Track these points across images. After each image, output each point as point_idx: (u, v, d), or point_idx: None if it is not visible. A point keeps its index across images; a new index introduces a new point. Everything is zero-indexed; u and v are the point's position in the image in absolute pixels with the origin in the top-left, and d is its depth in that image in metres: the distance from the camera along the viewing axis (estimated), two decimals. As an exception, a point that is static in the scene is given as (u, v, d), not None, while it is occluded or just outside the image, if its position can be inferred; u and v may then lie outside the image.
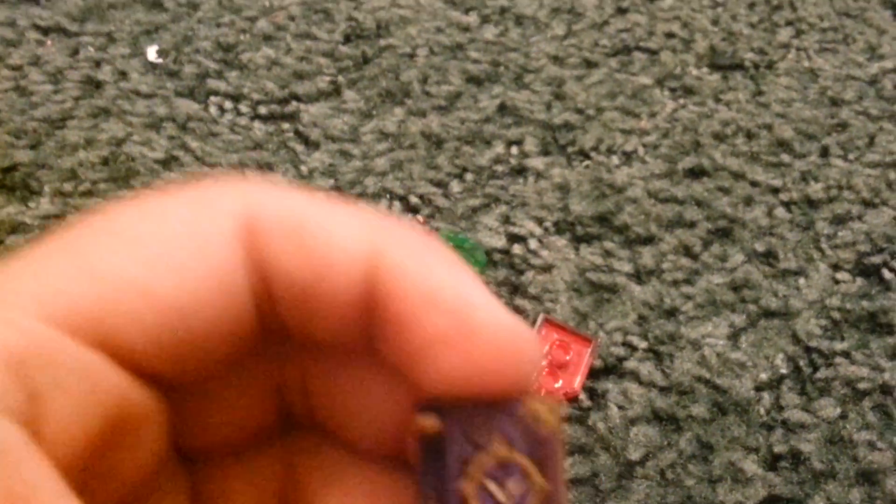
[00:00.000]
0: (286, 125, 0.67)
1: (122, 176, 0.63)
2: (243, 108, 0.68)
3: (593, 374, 0.54)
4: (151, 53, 0.71)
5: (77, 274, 0.15)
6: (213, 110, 0.68)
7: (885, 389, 0.54)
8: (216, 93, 0.69)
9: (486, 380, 0.16)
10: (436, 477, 0.16)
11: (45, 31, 0.72)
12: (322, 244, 0.16)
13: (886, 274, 0.60)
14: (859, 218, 0.63)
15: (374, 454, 0.19)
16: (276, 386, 0.19)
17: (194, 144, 0.65)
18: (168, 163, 0.64)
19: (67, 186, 0.62)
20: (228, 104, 0.68)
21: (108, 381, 0.15)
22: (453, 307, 0.16)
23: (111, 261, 0.16)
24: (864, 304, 0.58)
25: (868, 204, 0.64)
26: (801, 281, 0.60)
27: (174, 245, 0.16)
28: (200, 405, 0.18)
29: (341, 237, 0.17)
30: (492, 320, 0.16)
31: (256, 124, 0.67)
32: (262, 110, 0.68)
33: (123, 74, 0.70)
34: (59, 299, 0.15)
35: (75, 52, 0.71)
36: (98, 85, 0.69)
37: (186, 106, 0.67)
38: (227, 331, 0.16)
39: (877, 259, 0.61)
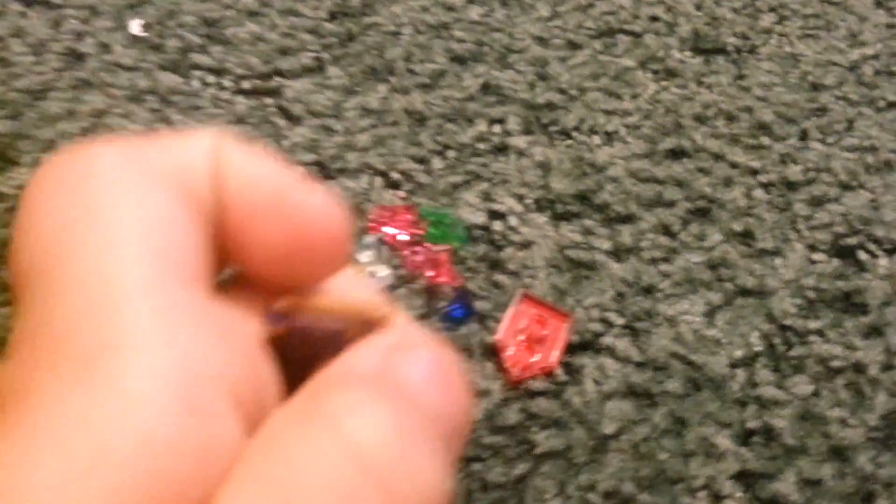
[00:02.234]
0: (269, 100, 0.67)
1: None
2: (226, 82, 0.68)
3: (570, 349, 0.55)
4: (135, 27, 0.71)
5: None
6: (195, 84, 0.67)
7: (857, 368, 0.55)
8: (199, 67, 0.68)
9: (302, 248, 0.18)
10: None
11: (28, 3, 0.72)
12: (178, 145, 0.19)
13: (861, 255, 0.61)
14: (836, 200, 0.64)
15: None
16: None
17: (176, 117, 0.64)
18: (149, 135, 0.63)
19: (47, 157, 0.62)
20: (211, 78, 0.68)
21: None
22: (272, 189, 0.19)
23: None
24: (839, 284, 0.59)
25: (845, 187, 0.65)
26: (778, 261, 0.60)
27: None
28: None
29: (186, 140, 0.20)
30: (304, 199, 0.19)
31: (239, 99, 0.67)
32: (245, 85, 0.68)
33: (106, 47, 0.69)
34: None
35: (58, 24, 0.71)
36: (80, 57, 0.68)
37: (169, 79, 0.67)
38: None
39: (852, 240, 0.61)
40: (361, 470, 0.15)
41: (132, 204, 0.17)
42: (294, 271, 0.19)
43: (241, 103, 0.67)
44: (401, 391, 0.17)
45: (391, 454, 0.15)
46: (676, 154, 0.66)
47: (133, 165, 0.18)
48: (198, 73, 0.68)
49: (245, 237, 0.19)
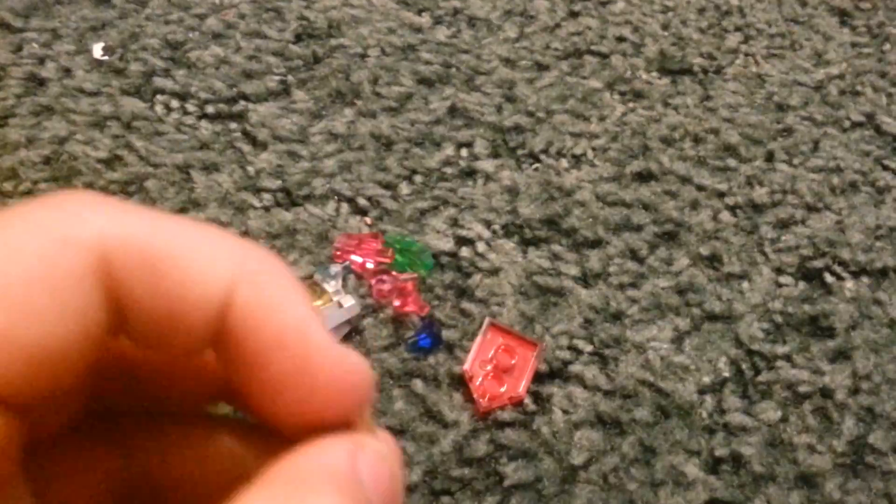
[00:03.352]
0: (234, 125, 0.66)
1: (64, 175, 0.62)
2: (190, 107, 0.67)
3: (538, 377, 0.54)
4: (97, 50, 0.70)
5: None
6: (159, 109, 0.67)
7: (824, 393, 0.55)
8: (163, 91, 0.68)
9: (324, 412, 0.18)
10: None
11: (-12, 26, 0.71)
12: (177, 280, 0.17)
13: (828, 278, 0.61)
14: (803, 222, 0.64)
15: None
16: (117, 481, 0.20)
17: (139, 144, 0.64)
18: (111, 162, 0.63)
19: (8, 186, 0.61)
20: (175, 103, 0.67)
21: None
22: (297, 351, 0.18)
23: None
24: (806, 307, 0.59)
25: (811, 209, 0.65)
26: (745, 285, 0.60)
27: (32, 288, 0.16)
28: (49, 493, 0.19)
29: (197, 274, 0.17)
30: (329, 360, 0.18)
31: (203, 124, 0.66)
32: (210, 109, 0.67)
33: (68, 71, 0.68)
34: None
35: (19, 48, 0.70)
36: (41, 82, 0.67)
37: (132, 104, 0.66)
38: (80, 364, 0.17)
39: (819, 263, 0.62)
40: None
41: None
42: (304, 423, 0.19)
43: (206, 128, 0.66)
44: (361, 497, 0.18)
45: None
46: (644, 177, 0.66)
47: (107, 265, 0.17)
48: (161, 97, 0.67)
49: (268, 389, 0.18)
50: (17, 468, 0.17)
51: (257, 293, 0.18)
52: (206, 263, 0.17)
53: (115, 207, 0.17)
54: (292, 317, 0.18)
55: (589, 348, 0.56)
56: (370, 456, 0.19)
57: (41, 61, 0.69)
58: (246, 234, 0.59)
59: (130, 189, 0.61)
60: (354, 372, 0.19)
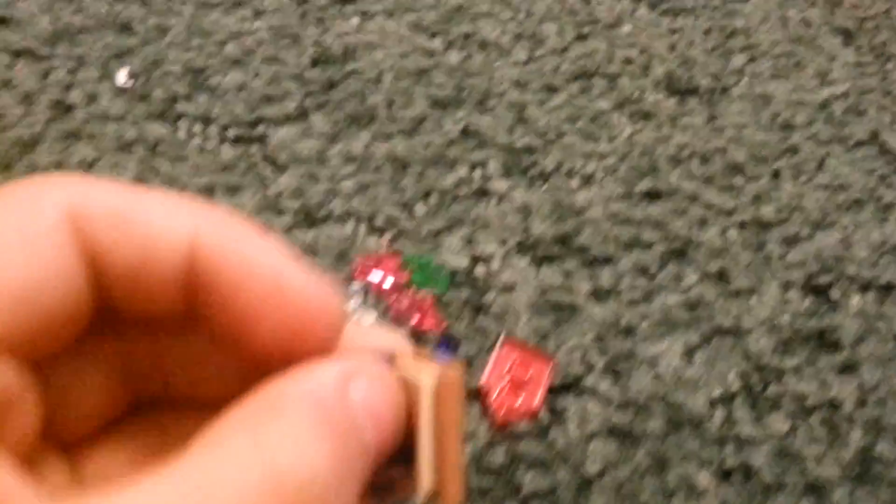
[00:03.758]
0: (254, 148, 0.68)
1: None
2: (212, 131, 0.69)
3: (553, 391, 0.56)
4: (121, 77, 0.72)
5: None
6: (181, 133, 0.69)
7: (832, 405, 0.57)
8: (185, 116, 0.70)
9: (299, 335, 0.19)
10: None
11: (16, 54, 0.73)
12: (145, 229, 0.19)
13: (834, 293, 0.63)
14: (809, 239, 0.66)
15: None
16: (124, 366, 0.22)
17: (163, 167, 0.66)
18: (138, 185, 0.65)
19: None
20: (197, 127, 0.69)
21: None
22: (267, 276, 0.19)
23: None
24: (813, 322, 0.61)
25: (817, 225, 0.67)
26: (753, 300, 0.62)
27: (6, 243, 0.18)
28: (61, 393, 0.20)
29: (163, 222, 0.19)
30: (300, 285, 0.19)
31: (225, 147, 0.68)
32: (231, 133, 0.69)
33: (93, 98, 0.71)
34: None
35: (46, 75, 0.72)
36: (68, 108, 0.70)
37: (156, 129, 0.68)
38: (67, 311, 0.19)
39: (825, 279, 0.63)
40: (280, 499, 0.16)
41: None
42: (288, 352, 0.20)
43: (227, 152, 0.68)
44: (347, 423, 0.18)
45: (316, 490, 0.17)
46: (652, 196, 0.68)
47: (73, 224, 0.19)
48: (184, 121, 0.70)
49: (243, 321, 0.20)
50: (25, 385, 0.19)
51: (220, 233, 0.19)
52: (170, 214, 0.19)
53: (81, 176, 0.20)
54: (257, 247, 0.19)
55: (601, 362, 0.58)
56: (368, 381, 0.19)
57: (67, 88, 0.71)
58: (267, 253, 0.61)
59: (155, 211, 0.63)
60: (325, 295, 0.20)
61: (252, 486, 0.16)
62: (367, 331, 0.22)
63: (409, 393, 0.20)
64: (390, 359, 0.21)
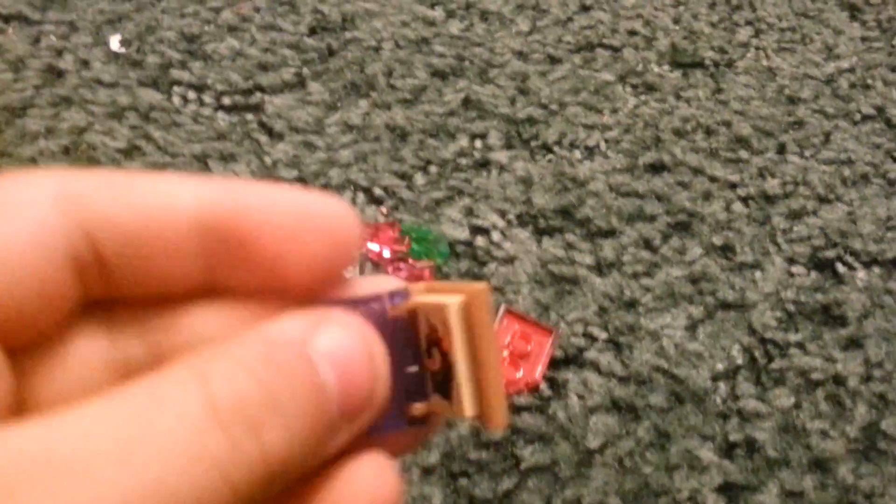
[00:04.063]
0: (250, 116, 0.67)
1: (82, 165, 0.62)
2: (207, 98, 0.68)
3: (554, 364, 0.55)
4: (114, 43, 0.71)
5: None
6: (176, 100, 0.67)
7: (837, 380, 0.56)
8: (179, 83, 0.68)
9: (330, 256, 0.19)
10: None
11: (7, 19, 0.71)
12: (144, 199, 0.18)
13: (840, 268, 0.62)
14: (814, 213, 0.65)
15: None
16: (115, 358, 0.20)
17: (157, 134, 0.64)
18: (130, 152, 0.63)
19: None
20: (192, 94, 0.68)
21: None
22: (290, 211, 0.19)
23: None
24: (818, 296, 0.60)
25: (823, 200, 0.66)
26: (758, 274, 0.61)
27: None
28: (38, 383, 0.19)
29: (164, 191, 0.19)
30: (321, 205, 0.19)
31: (220, 115, 0.67)
32: (226, 101, 0.68)
33: (85, 63, 0.69)
34: None
35: (37, 40, 0.70)
36: (59, 74, 0.68)
37: (149, 96, 0.67)
38: (47, 295, 0.18)
39: (830, 253, 0.62)
40: (215, 423, 0.16)
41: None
42: (323, 272, 0.19)
43: (222, 119, 0.66)
44: (297, 366, 0.17)
45: (246, 416, 0.16)
46: (656, 168, 0.67)
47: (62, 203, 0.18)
48: (178, 89, 0.68)
49: (275, 264, 0.19)
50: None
51: (228, 191, 0.19)
52: (169, 184, 0.19)
53: (73, 169, 0.19)
54: (269, 191, 0.19)
55: (604, 335, 0.56)
56: (338, 332, 0.18)
57: (59, 53, 0.69)
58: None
59: (149, 178, 0.62)
60: (344, 212, 0.19)
61: (190, 411, 0.16)
62: (375, 279, 0.21)
63: (437, 320, 0.20)
64: (404, 293, 0.20)
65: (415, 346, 0.20)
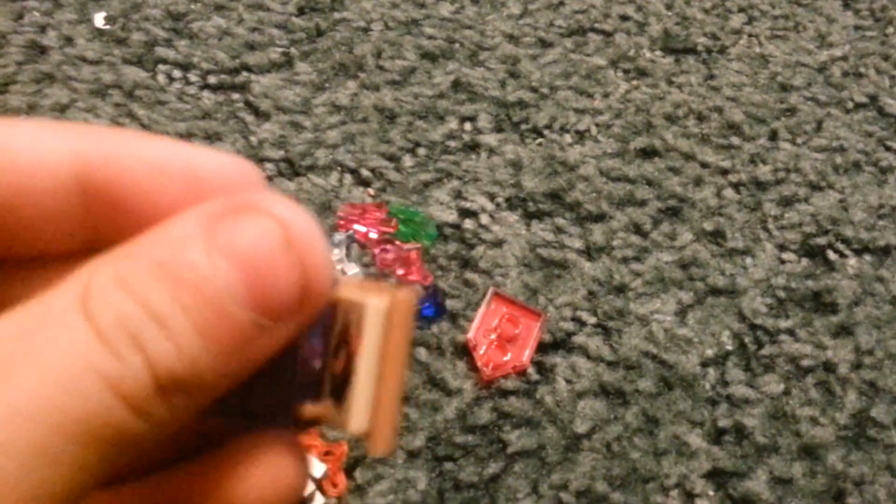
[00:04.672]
0: (236, 95, 0.66)
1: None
2: (192, 77, 0.67)
3: (542, 348, 0.54)
4: (99, 20, 0.70)
5: None
6: (161, 78, 0.66)
7: (827, 367, 0.55)
8: (165, 61, 0.67)
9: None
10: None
11: (-12, -6, 0.70)
12: (15, 147, 0.17)
13: (831, 255, 0.61)
14: (805, 200, 0.64)
15: None
16: None
17: (141, 112, 0.63)
18: (114, 130, 0.62)
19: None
20: (177, 73, 0.67)
21: None
22: (179, 168, 0.17)
23: None
24: (809, 283, 0.59)
25: (814, 187, 0.65)
26: (748, 260, 0.60)
27: None
28: None
29: (33, 149, 0.17)
30: (215, 165, 0.17)
31: (206, 94, 0.66)
32: (212, 80, 0.66)
33: (69, 40, 0.68)
34: None
35: (20, 16, 0.69)
36: (43, 50, 0.67)
37: (134, 73, 0.66)
38: None
39: (822, 240, 0.62)
40: (97, 337, 0.15)
41: None
42: None
43: (208, 98, 0.65)
44: (185, 270, 0.15)
45: (127, 331, 0.15)
46: (647, 153, 0.66)
47: None
48: (163, 67, 0.67)
49: (161, 215, 0.17)
50: None
51: (110, 145, 0.17)
52: (40, 140, 0.17)
53: None
54: (156, 147, 0.17)
55: (592, 320, 0.56)
56: (245, 222, 0.16)
57: (42, 29, 0.68)
58: (248, 202, 0.59)
59: (132, 157, 0.61)
60: (239, 164, 0.18)
61: (74, 327, 0.15)
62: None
63: (353, 318, 0.18)
64: (333, 283, 0.18)
65: (325, 343, 0.18)
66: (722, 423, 0.52)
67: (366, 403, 0.18)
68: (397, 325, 0.17)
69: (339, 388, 0.18)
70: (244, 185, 0.18)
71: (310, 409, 0.18)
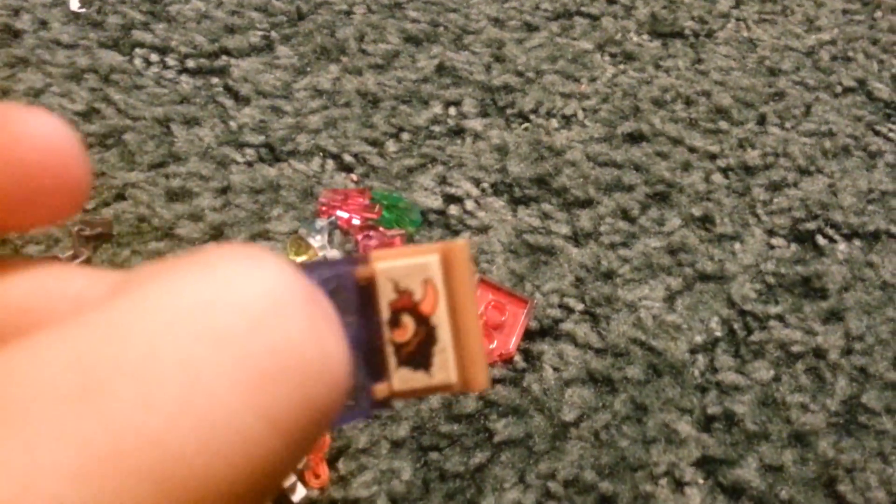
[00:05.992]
0: (215, 80, 0.64)
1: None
2: (170, 61, 0.65)
3: (529, 335, 0.53)
4: (74, 3, 0.68)
5: None
6: (138, 62, 0.65)
7: (817, 353, 0.54)
8: (142, 45, 0.66)
9: (41, 189, 0.15)
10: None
11: (-40, -23, 0.68)
12: None
13: (820, 240, 0.60)
14: (795, 185, 0.63)
15: None
16: None
17: (117, 97, 0.62)
18: (89, 115, 0.61)
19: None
20: (155, 57, 0.65)
21: None
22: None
23: None
24: (798, 269, 0.58)
25: (803, 171, 0.64)
26: (737, 246, 0.59)
27: None
28: None
29: None
30: (32, 130, 0.15)
31: (184, 78, 0.64)
32: (191, 64, 0.65)
33: (44, 24, 0.66)
34: None
35: (-8, -1, 0.67)
36: (16, 34, 0.65)
37: (110, 57, 0.64)
38: None
39: (811, 225, 0.61)
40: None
41: None
42: (16, 212, 0.16)
43: (186, 83, 0.64)
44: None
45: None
46: (635, 138, 0.65)
47: None
48: (140, 51, 0.65)
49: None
50: None
51: None
52: None
53: None
54: None
55: (580, 307, 0.55)
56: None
57: (16, 13, 0.66)
58: (228, 188, 0.58)
59: (108, 142, 0.60)
60: (62, 130, 0.16)
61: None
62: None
63: (413, 282, 0.18)
64: (363, 258, 0.18)
65: (369, 322, 0.18)
66: (711, 410, 0.51)
67: (452, 353, 0.18)
68: (458, 271, 0.18)
69: (415, 355, 0.18)
70: (62, 152, 0.16)
71: (382, 388, 0.18)
